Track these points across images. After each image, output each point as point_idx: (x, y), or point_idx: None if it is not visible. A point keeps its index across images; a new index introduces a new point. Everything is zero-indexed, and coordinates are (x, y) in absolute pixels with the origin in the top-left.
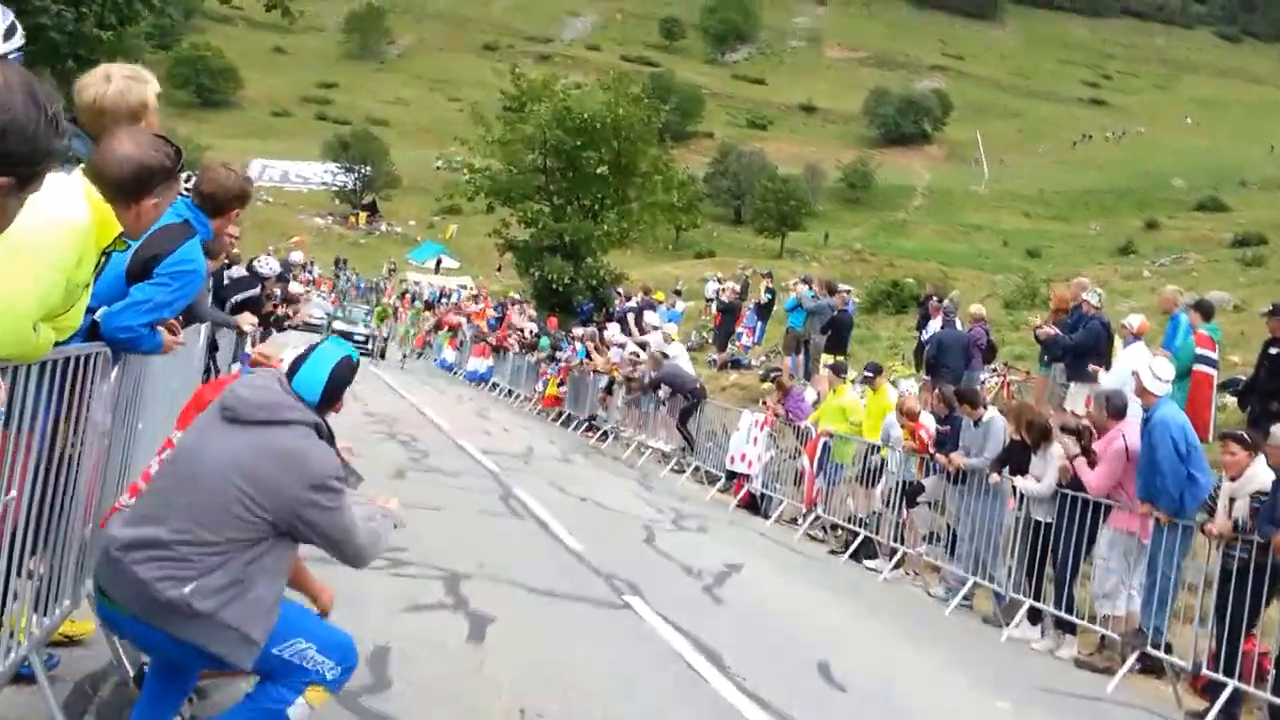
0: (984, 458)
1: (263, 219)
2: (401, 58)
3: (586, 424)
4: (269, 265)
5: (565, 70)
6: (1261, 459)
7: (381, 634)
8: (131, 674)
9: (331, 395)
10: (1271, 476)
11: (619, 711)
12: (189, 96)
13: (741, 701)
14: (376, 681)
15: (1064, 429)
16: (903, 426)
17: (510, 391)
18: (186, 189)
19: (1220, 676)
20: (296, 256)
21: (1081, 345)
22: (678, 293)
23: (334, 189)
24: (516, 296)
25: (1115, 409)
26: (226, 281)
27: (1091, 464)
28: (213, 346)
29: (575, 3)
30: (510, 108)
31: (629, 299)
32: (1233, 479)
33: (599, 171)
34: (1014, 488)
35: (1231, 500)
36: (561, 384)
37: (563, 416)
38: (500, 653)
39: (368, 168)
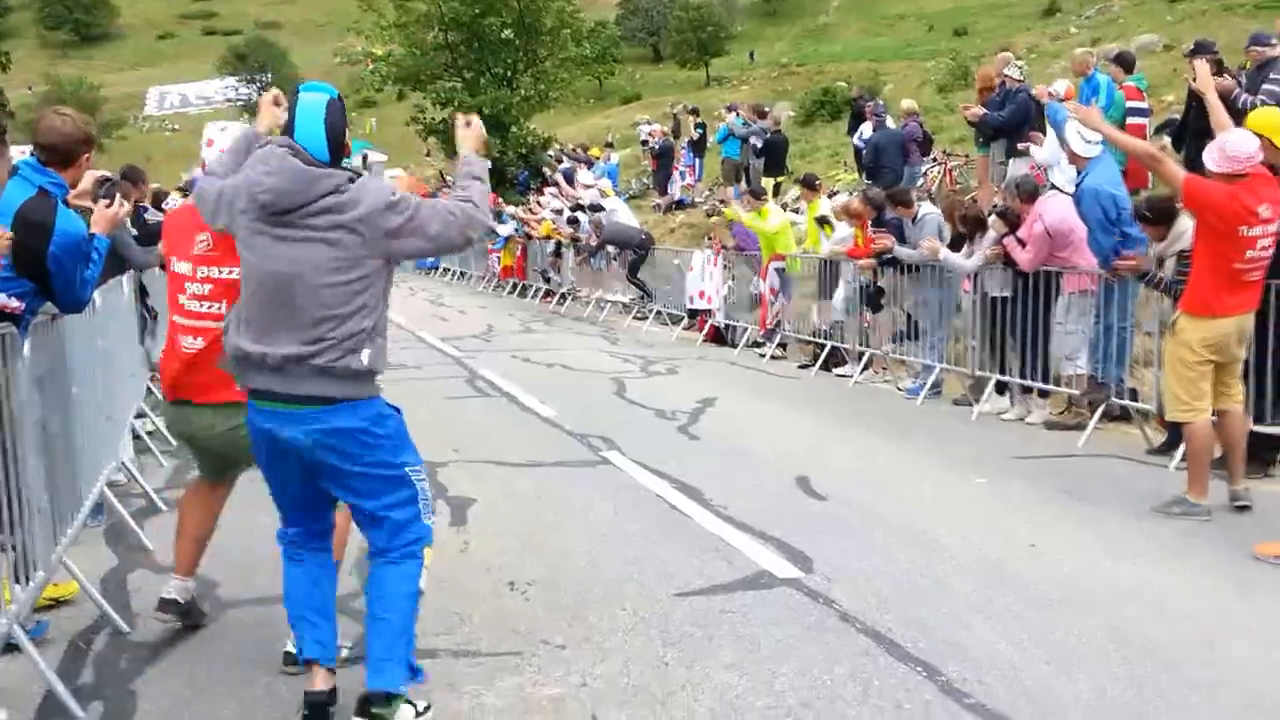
0: (919, 250)
1: (175, 148)
2: None
3: (543, 291)
4: (175, 202)
5: None
6: (1186, 218)
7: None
8: (126, 627)
9: (337, 144)
10: None
11: (605, 562)
12: (67, 35)
13: (726, 530)
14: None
15: (995, 213)
16: (853, 228)
17: (461, 274)
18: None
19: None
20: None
21: (1010, 122)
22: (610, 145)
23: (239, 103)
24: (450, 179)
25: (1025, 193)
26: (148, 225)
27: (1022, 244)
28: (143, 293)
29: None
30: None
31: (563, 160)
32: (1159, 241)
33: (505, 36)
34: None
35: (1160, 261)
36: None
37: (518, 288)
38: (483, 532)
39: (268, 75)
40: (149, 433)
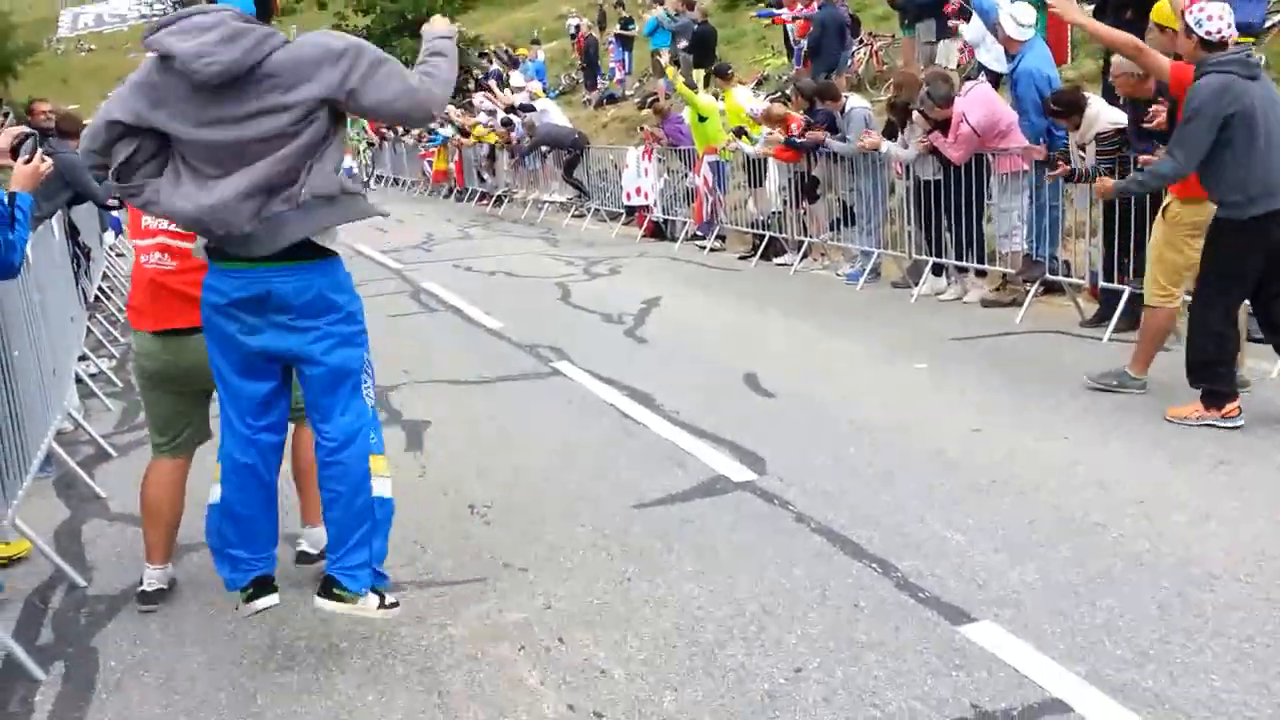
0: (849, 142)
1: (92, 68)
2: None
3: (479, 194)
4: None
5: None
6: (1095, 100)
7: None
8: (82, 581)
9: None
10: (1112, 114)
11: (562, 478)
12: None
13: (679, 435)
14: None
15: (917, 110)
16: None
17: (396, 180)
18: None
19: (1115, 285)
20: None
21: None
22: (536, 42)
23: (154, 18)
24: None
25: (939, 99)
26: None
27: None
28: (72, 230)
29: None
30: None
31: (491, 63)
32: (1074, 130)
33: None
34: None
35: (1081, 147)
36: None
37: (453, 192)
38: (439, 454)
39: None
40: (92, 375)
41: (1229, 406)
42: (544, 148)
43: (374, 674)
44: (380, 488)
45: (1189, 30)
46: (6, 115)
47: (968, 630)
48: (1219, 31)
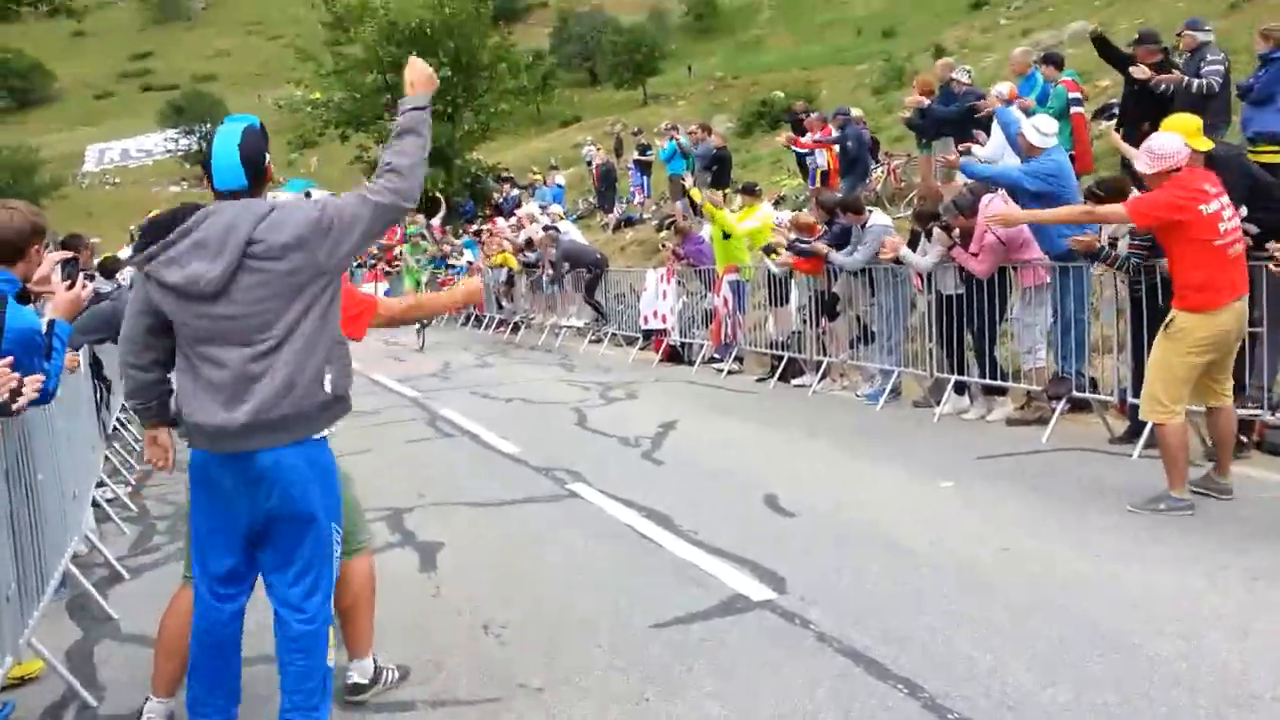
0: (856, 256)
1: (116, 201)
2: (209, 9)
3: (497, 321)
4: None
5: None
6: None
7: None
8: (93, 702)
9: (257, 168)
10: None
11: (578, 598)
12: (4, 102)
13: (698, 555)
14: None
15: (938, 226)
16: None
17: None
18: None
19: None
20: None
21: (955, 117)
22: (554, 167)
23: (180, 154)
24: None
25: (964, 209)
26: (98, 295)
27: (970, 251)
28: (96, 364)
29: None
30: (334, 34)
31: (513, 187)
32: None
33: (443, 75)
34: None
35: (1114, 240)
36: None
37: (472, 319)
38: (454, 575)
39: (207, 124)
40: (108, 500)
41: None
42: (565, 266)
43: None
44: (331, 659)
45: None
46: (47, 245)
47: None
48: None
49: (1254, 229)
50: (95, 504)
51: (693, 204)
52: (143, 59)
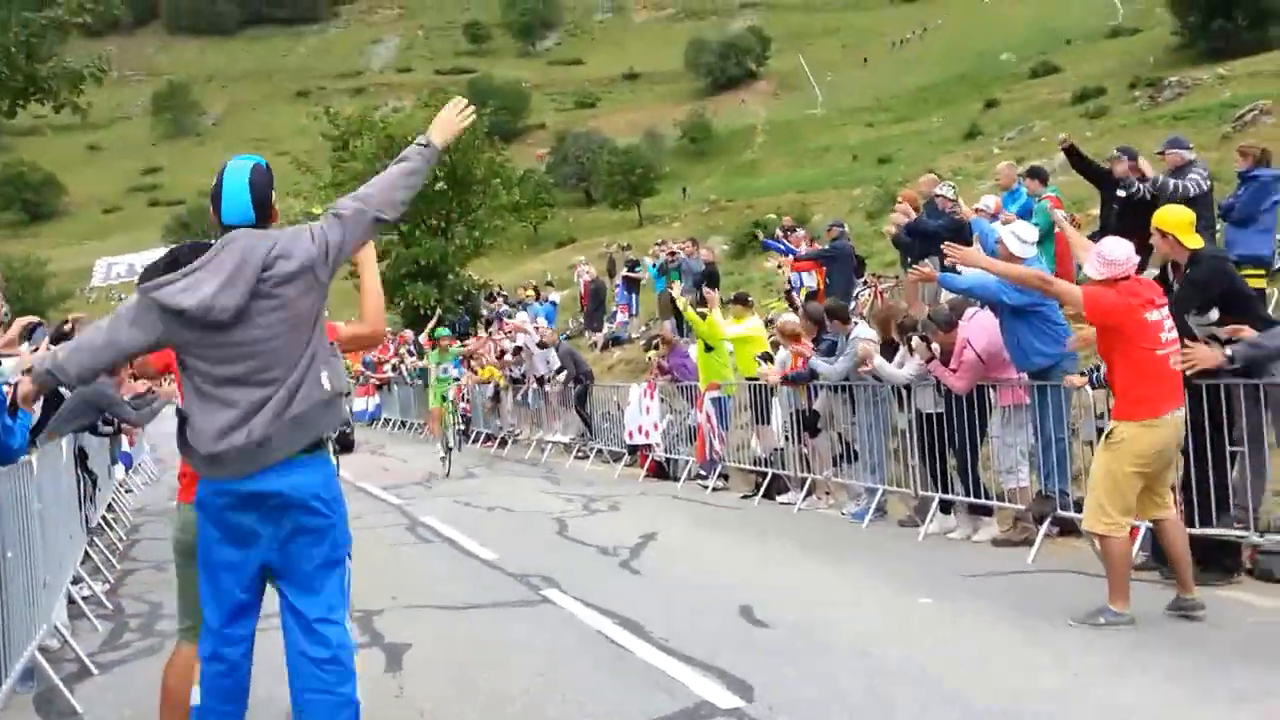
0: (838, 365)
1: None
2: (218, 125)
3: (484, 435)
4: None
5: (383, 98)
6: None
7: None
8: None
9: (263, 205)
10: None
11: (543, 701)
12: (16, 215)
13: (667, 663)
14: None
15: (920, 336)
16: (788, 349)
17: (403, 423)
18: None
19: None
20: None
21: (940, 233)
22: (550, 284)
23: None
24: (388, 330)
25: (942, 323)
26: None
27: (949, 366)
28: (81, 456)
29: (376, 31)
30: (335, 149)
31: (504, 303)
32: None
33: (438, 189)
34: (894, 389)
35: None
36: (464, 399)
37: (460, 431)
38: (419, 675)
39: (213, 239)
40: (85, 597)
41: None
42: (562, 377)
43: None
44: (357, 690)
45: None
46: (8, 314)
47: None
48: None
49: (1222, 334)
50: (71, 600)
51: (679, 321)
52: (151, 174)
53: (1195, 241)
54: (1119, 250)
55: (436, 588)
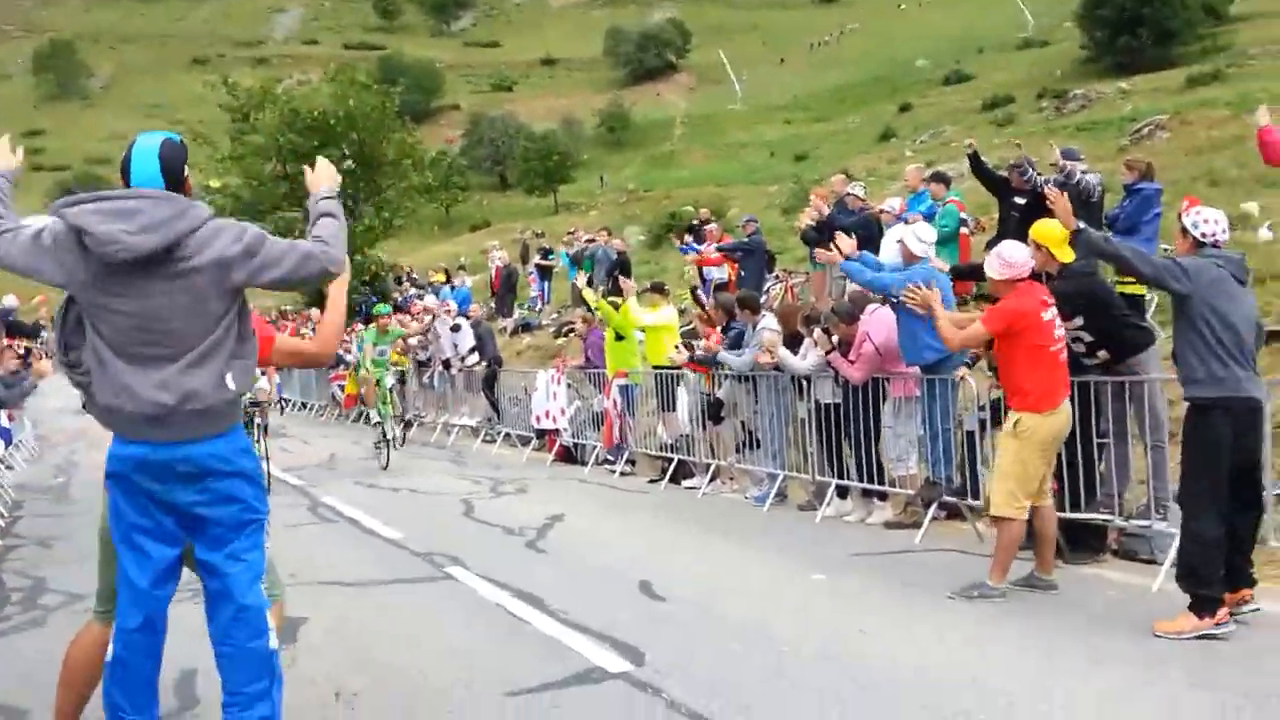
0: (745, 357)
1: None
2: (107, 89)
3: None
4: None
5: (286, 70)
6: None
7: (187, 658)
8: None
9: (176, 177)
10: None
11: (437, 670)
12: None
13: (564, 633)
14: (183, 704)
15: (822, 328)
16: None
17: (303, 404)
18: None
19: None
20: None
21: (854, 228)
22: (462, 268)
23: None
24: (288, 309)
25: (844, 316)
26: None
27: (849, 358)
28: None
29: None
30: (235, 120)
31: (412, 286)
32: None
33: (345, 168)
34: (795, 380)
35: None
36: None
37: (364, 416)
38: (313, 648)
39: None
40: None
41: (1221, 613)
42: (471, 359)
43: None
44: (274, 640)
45: (1185, 231)
46: None
47: None
48: (1213, 234)
49: (1087, 337)
50: None
51: (589, 311)
52: (33, 137)
53: (1067, 256)
54: (1019, 254)
55: (337, 566)
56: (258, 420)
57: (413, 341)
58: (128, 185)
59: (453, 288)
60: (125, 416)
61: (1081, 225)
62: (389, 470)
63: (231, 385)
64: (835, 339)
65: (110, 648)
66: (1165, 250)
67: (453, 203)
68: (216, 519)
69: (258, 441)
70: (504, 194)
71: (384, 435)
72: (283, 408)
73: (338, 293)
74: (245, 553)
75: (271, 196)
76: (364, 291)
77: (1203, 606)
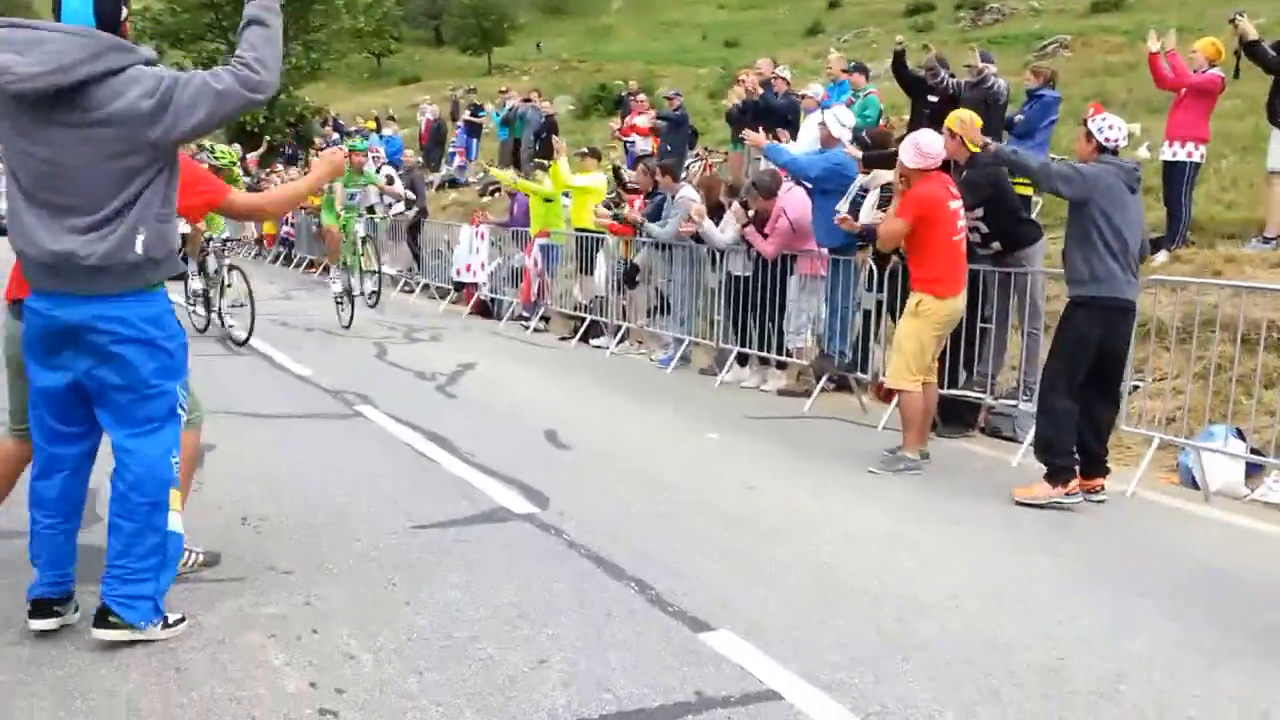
0: (669, 227)
1: None
2: None
3: (308, 261)
4: None
5: None
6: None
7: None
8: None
9: (111, 18)
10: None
11: (345, 502)
12: None
13: (470, 474)
14: (85, 519)
15: (741, 201)
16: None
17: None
18: None
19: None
20: None
21: (776, 112)
22: (391, 118)
23: None
24: (206, 144)
25: (764, 190)
26: None
27: (763, 233)
28: None
29: None
30: None
31: (336, 131)
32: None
33: None
34: (710, 251)
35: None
36: (288, 222)
37: (282, 256)
38: (220, 474)
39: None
40: None
41: (1072, 484)
42: (398, 207)
43: (111, 651)
44: (174, 523)
45: (1089, 135)
46: None
47: (705, 636)
48: (1115, 140)
49: (984, 228)
50: None
51: (590, 152)
52: None
53: (975, 147)
54: (935, 144)
55: (246, 398)
56: (227, 261)
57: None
58: (57, 19)
59: (382, 136)
60: (29, 262)
61: (989, 141)
62: (300, 310)
63: (139, 249)
64: (752, 212)
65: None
66: (1053, 158)
67: (385, 52)
68: (114, 385)
69: (229, 285)
70: (438, 50)
71: (346, 290)
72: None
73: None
74: (146, 429)
75: (194, 25)
76: (286, 133)
77: (1055, 475)
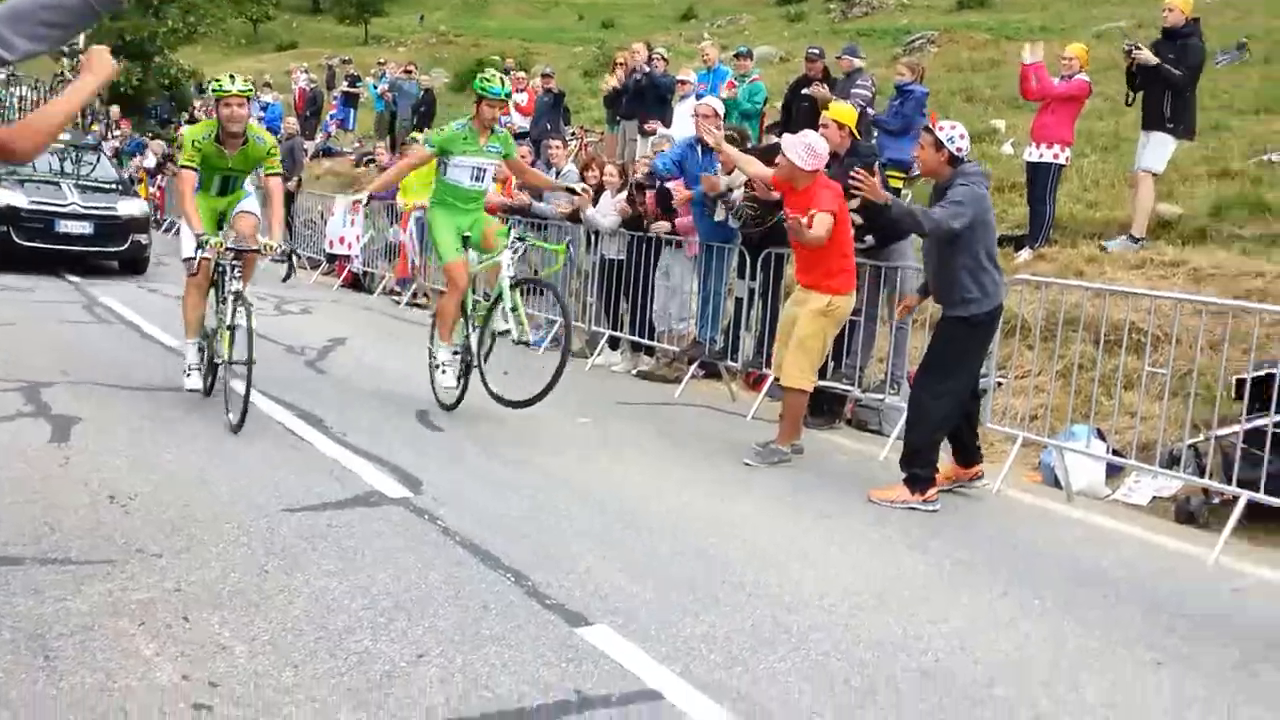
0: (552, 207)
1: None
2: None
3: (175, 228)
4: None
5: None
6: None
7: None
8: None
9: None
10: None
11: (216, 481)
12: None
13: (342, 454)
14: None
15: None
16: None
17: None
18: None
19: (765, 371)
20: None
21: (657, 89)
22: (268, 84)
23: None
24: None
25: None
26: None
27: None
28: None
29: None
30: None
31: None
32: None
33: None
34: (586, 233)
35: (731, 189)
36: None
37: (154, 224)
38: (87, 449)
39: None
40: None
41: (931, 491)
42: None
43: None
44: None
45: (940, 145)
46: None
47: (584, 632)
48: (965, 149)
49: (859, 220)
50: None
51: (392, 146)
52: None
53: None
54: (823, 145)
55: (113, 367)
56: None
57: None
58: None
59: (261, 103)
60: None
61: (890, 199)
62: (166, 277)
63: None
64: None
65: None
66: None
67: (261, 17)
68: None
69: (235, 326)
70: (315, 18)
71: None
72: None
73: (83, 83)
74: None
75: None
76: (161, 94)
77: (915, 484)
